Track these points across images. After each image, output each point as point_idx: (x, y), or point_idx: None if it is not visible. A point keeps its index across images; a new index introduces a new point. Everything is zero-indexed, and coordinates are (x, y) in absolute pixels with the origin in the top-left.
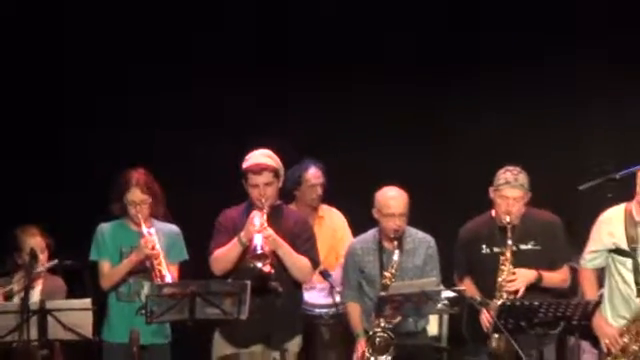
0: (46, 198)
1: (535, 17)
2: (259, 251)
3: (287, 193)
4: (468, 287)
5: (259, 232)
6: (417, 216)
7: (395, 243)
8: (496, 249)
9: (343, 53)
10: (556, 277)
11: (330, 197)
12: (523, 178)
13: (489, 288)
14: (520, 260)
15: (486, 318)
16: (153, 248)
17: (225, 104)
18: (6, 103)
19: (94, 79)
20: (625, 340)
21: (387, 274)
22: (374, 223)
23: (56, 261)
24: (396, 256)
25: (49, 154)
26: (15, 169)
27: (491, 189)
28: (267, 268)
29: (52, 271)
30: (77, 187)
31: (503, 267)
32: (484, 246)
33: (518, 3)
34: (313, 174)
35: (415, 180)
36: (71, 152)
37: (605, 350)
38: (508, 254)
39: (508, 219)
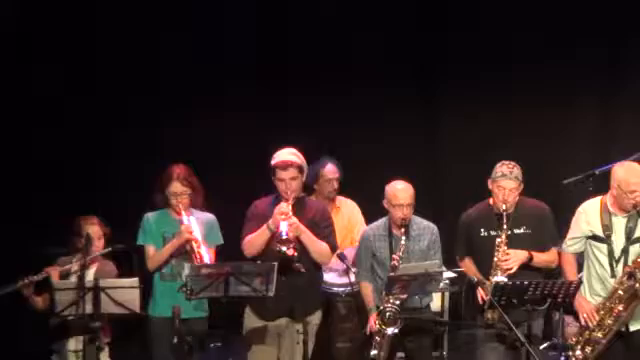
0: (103, 192)
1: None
2: (284, 237)
3: (307, 186)
4: (468, 266)
5: (285, 220)
6: (421, 206)
7: (402, 230)
8: (493, 232)
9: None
10: (545, 258)
11: (345, 189)
12: (517, 171)
13: (486, 266)
14: (513, 243)
15: (482, 295)
16: (191, 234)
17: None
18: (57, 104)
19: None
20: (601, 315)
21: (395, 257)
22: (384, 212)
23: (110, 249)
24: (403, 241)
25: (110, 154)
26: (83, 169)
27: (489, 180)
28: (291, 252)
29: (106, 256)
30: (127, 182)
31: (499, 248)
32: (482, 230)
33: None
34: (329, 170)
35: (419, 174)
36: (119, 152)
37: (584, 323)
38: (504, 237)
39: (504, 207)
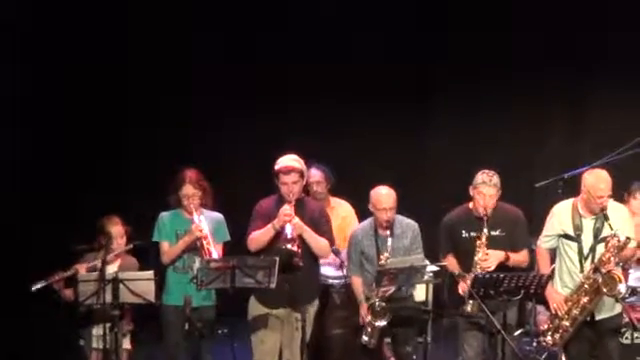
0: (121, 194)
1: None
2: (289, 236)
3: (306, 189)
4: (450, 262)
5: (289, 220)
6: (405, 205)
7: (388, 232)
8: (473, 234)
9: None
10: (519, 258)
11: (340, 191)
12: (496, 179)
13: (467, 264)
14: (491, 243)
15: (462, 287)
16: (202, 231)
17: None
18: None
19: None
20: (569, 305)
21: (382, 257)
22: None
23: (131, 246)
24: (390, 242)
25: (143, 155)
26: (109, 171)
27: (471, 187)
28: (295, 248)
29: (128, 252)
30: (143, 183)
31: (479, 249)
32: (464, 231)
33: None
34: (311, 174)
35: (402, 177)
36: (136, 153)
37: (554, 312)
38: (484, 239)
39: (484, 212)
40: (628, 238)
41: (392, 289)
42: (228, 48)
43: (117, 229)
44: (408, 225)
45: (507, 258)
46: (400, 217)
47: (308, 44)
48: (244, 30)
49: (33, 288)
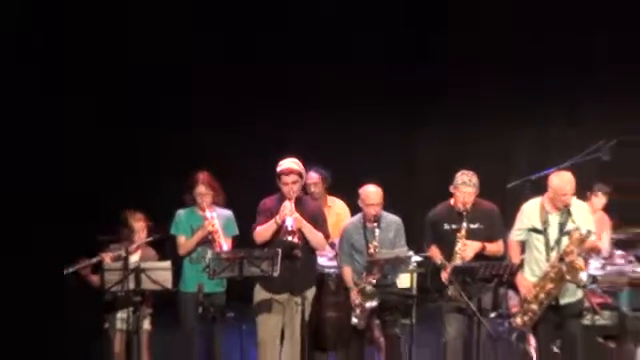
0: (144, 194)
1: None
2: (290, 229)
3: (304, 189)
4: (434, 252)
5: (290, 216)
6: (391, 202)
7: (375, 224)
8: (454, 226)
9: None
10: (494, 248)
11: (336, 190)
12: (475, 179)
13: (449, 253)
14: (469, 236)
15: (444, 275)
16: (213, 227)
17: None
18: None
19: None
20: (536, 290)
21: (371, 246)
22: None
23: (151, 238)
24: (377, 233)
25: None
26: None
27: (451, 187)
28: (295, 240)
29: (149, 243)
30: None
31: (459, 241)
32: (445, 224)
33: None
34: (309, 176)
35: (389, 177)
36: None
37: (523, 297)
38: (463, 231)
39: (464, 208)
40: (589, 232)
41: (380, 277)
42: (228, 48)
43: (139, 224)
44: (392, 220)
45: (483, 248)
46: (385, 213)
47: (308, 44)
48: (244, 30)
49: (65, 272)
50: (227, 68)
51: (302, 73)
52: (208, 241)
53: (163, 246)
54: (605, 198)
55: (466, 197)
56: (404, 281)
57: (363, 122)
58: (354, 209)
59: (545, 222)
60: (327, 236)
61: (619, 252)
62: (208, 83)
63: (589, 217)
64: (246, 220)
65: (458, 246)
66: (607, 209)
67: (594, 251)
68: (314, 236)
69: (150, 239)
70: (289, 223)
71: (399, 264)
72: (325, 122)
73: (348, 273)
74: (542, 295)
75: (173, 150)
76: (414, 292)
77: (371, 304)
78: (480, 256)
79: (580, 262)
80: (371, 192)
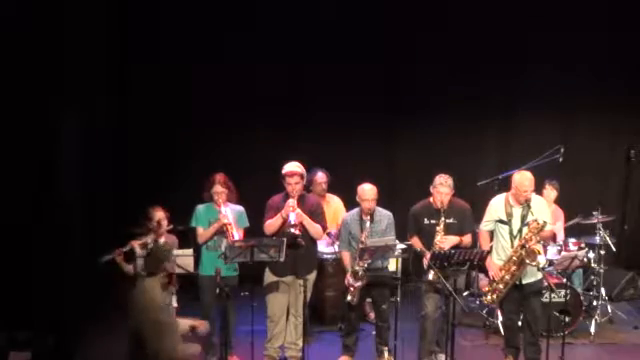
0: (167, 191)
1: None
2: (292, 222)
3: (306, 187)
4: (415, 241)
5: (292, 211)
6: (383, 198)
7: (369, 217)
8: (433, 221)
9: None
10: (466, 240)
11: (333, 188)
12: (450, 181)
13: (428, 244)
14: (445, 228)
15: (425, 261)
16: (227, 219)
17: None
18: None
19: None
20: (502, 272)
21: (363, 235)
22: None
23: (171, 226)
24: (368, 225)
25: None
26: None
27: (431, 187)
28: (297, 232)
29: (171, 232)
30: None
31: (437, 234)
32: (425, 219)
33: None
34: (319, 176)
35: (381, 177)
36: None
37: (492, 278)
38: (441, 225)
39: (441, 205)
40: (545, 222)
41: (369, 261)
42: (228, 48)
43: (160, 214)
44: (385, 214)
45: (460, 242)
46: (379, 208)
47: (308, 44)
48: (245, 30)
49: (102, 260)
50: (226, 68)
51: (301, 74)
52: (223, 232)
53: (186, 236)
54: (555, 191)
55: (443, 196)
56: (391, 265)
57: (355, 123)
58: (348, 204)
59: (509, 214)
60: (324, 227)
61: (572, 239)
62: (208, 84)
63: (546, 210)
64: (255, 213)
65: (437, 238)
66: (558, 201)
67: (549, 238)
68: (313, 228)
69: (171, 227)
70: (292, 218)
71: (387, 251)
72: (323, 125)
73: (346, 257)
74: (507, 276)
75: (196, 154)
76: (399, 274)
77: (359, 283)
78: (454, 246)
79: (538, 247)
80: (367, 189)
